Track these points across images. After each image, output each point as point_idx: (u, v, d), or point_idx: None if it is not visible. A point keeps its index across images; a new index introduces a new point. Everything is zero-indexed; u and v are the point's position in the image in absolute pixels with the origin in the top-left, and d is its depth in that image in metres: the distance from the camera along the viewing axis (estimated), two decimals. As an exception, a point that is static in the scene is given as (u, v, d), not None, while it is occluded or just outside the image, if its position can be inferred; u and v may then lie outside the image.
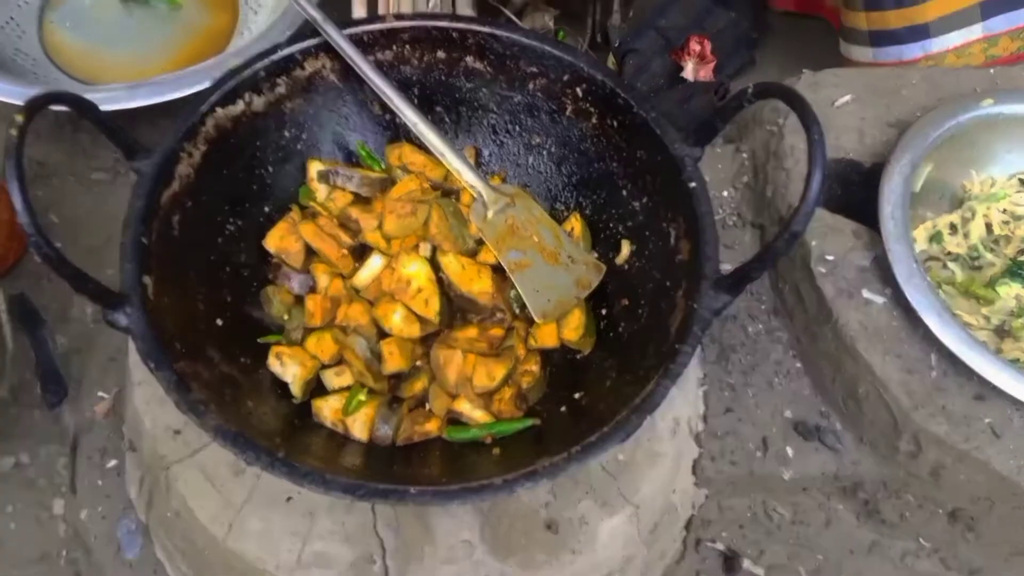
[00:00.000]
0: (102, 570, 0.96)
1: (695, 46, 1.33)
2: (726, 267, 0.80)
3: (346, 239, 0.91)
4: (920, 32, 1.21)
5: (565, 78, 0.93)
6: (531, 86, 0.95)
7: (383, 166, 0.98)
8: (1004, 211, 1.04)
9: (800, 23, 1.39)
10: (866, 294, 0.96)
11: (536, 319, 0.87)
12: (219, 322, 0.85)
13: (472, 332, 0.87)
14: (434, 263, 0.89)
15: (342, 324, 0.88)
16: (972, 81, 1.14)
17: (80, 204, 1.22)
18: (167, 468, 0.85)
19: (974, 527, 0.97)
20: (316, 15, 0.91)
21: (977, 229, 1.03)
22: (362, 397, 0.84)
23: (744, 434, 0.98)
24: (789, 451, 0.97)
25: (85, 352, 1.08)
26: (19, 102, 0.90)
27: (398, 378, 0.87)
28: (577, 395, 0.85)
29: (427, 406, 0.87)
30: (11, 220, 1.08)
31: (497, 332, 0.88)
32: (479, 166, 1.01)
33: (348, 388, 0.86)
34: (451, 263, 0.89)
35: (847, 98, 1.13)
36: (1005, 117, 1.05)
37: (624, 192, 0.92)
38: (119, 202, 0.79)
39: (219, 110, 0.87)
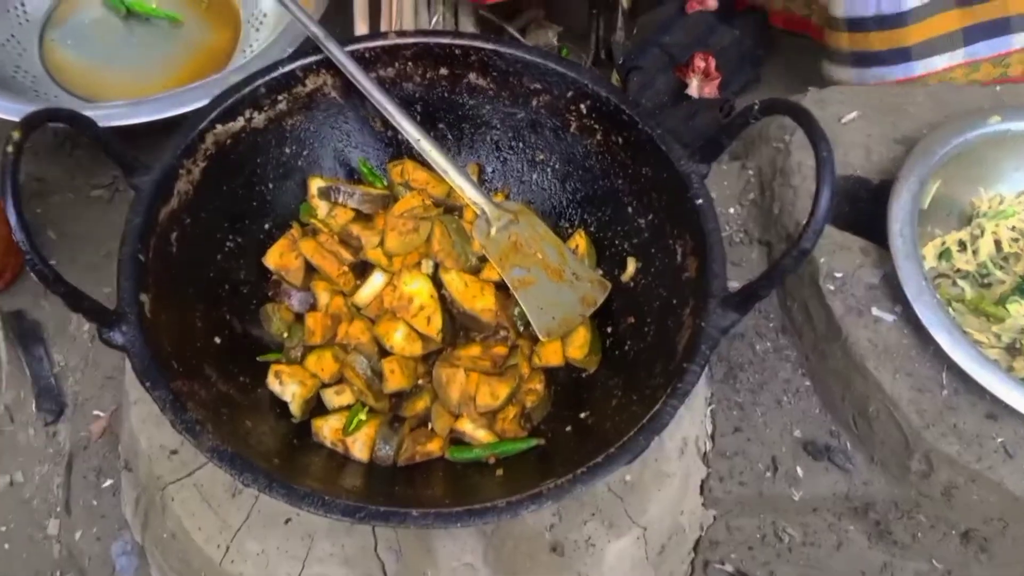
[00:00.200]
0: (97, 592, 0.95)
1: (700, 63, 1.33)
2: (733, 285, 0.79)
3: (347, 256, 0.90)
4: (902, 55, 1.21)
5: (569, 95, 0.93)
6: (535, 103, 0.95)
7: (385, 183, 0.98)
8: (1013, 228, 1.03)
9: (804, 42, 1.40)
10: (875, 312, 0.96)
11: (540, 337, 0.86)
12: (217, 340, 0.84)
13: (475, 350, 0.86)
14: (436, 280, 0.88)
15: (343, 342, 0.87)
16: (978, 98, 1.14)
17: (79, 221, 1.22)
18: (163, 488, 0.84)
19: (987, 548, 0.96)
20: (318, 32, 0.90)
21: (986, 246, 1.02)
22: (363, 416, 0.83)
23: (753, 454, 0.97)
24: (799, 471, 0.96)
25: (83, 370, 1.07)
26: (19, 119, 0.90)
27: (400, 397, 0.86)
28: (583, 414, 0.84)
29: (429, 426, 0.86)
30: (8, 235, 1.08)
31: (500, 350, 0.87)
32: (482, 183, 1.00)
33: (348, 407, 0.85)
34: (454, 280, 0.88)
35: (853, 115, 1.12)
36: (1013, 134, 1.05)
37: (629, 209, 0.92)
38: (118, 219, 0.79)
39: (219, 126, 0.86)
